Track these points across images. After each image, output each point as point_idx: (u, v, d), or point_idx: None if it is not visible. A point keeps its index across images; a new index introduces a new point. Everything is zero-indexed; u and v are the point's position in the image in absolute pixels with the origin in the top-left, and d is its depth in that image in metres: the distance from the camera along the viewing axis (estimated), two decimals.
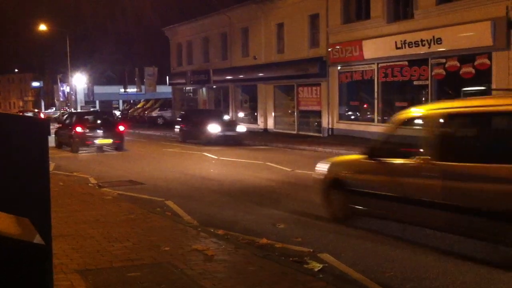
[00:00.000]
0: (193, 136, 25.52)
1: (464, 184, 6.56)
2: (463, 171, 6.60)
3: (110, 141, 22.08)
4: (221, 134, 24.13)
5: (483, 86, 18.83)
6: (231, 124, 26.11)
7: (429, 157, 6.99)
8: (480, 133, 7.35)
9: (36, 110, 71.59)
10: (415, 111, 8.27)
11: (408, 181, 7.31)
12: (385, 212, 7.90)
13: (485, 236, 6.51)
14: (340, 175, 8.74)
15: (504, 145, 6.74)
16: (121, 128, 22.88)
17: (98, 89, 62.32)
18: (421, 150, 7.35)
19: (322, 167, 9.37)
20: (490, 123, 7.22)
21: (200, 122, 25.09)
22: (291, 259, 6.33)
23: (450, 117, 7.23)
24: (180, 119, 28.66)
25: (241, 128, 25.70)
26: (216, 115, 27.42)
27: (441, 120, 7.22)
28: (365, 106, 24.91)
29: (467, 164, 6.63)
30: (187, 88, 43.33)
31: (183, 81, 41.73)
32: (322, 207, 9.04)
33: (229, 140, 24.15)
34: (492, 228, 6.29)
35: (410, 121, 8.16)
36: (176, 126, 28.29)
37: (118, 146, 22.30)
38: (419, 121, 7.97)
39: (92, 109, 52.94)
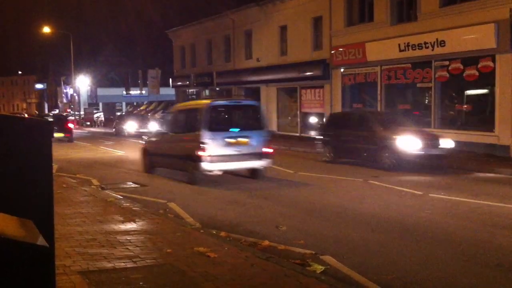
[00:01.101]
0: (357, 154, 16.67)
1: (177, 144, 14.00)
2: (177, 137, 14.36)
3: (62, 134, 29.44)
4: (421, 153, 15.04)
5: (487, 89, 18.82)
6: (432, 137, 15.95)
7: (170, 131, 14.84)
8: (184, 118, 14.58)
9: (24, 113, 73.15)
10: (172, 108, 17.78)
11: (165, 145, 14.72)
12: (163, 164, 14.96)
13: (182, 168, 13.74)
14: (147, 145, 16.07)
15: (187, 124, 14.06)
16: (71, 125, 32.02)
17: (101, 91, 62.36)
18: (170, 128, 15.05)
19: (143, 141, 16.78)
20: (187, 113, 14.61)
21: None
22: (293, 261, 6.33)
23: (179, 111, 15.47)
24: (326, 127, 19.03)
25: (447, 142, 15.98)
26: (393, 122, 17.05)
27: (176, 113, 15.55)
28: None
29: (179, 134, 14.30)
30: (190, 90, 43.39)
31: (187, 83, 41.77)
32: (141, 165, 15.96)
33: (431, 162, 15.36)
34: (183, 164, 13.51)
35: (171, 114, 15.97)
36: (319, 137, 18.87)
37: (69, 139, 29.99)
38: (174, 113, 15.72)
39: (95, 111, 53.48)
